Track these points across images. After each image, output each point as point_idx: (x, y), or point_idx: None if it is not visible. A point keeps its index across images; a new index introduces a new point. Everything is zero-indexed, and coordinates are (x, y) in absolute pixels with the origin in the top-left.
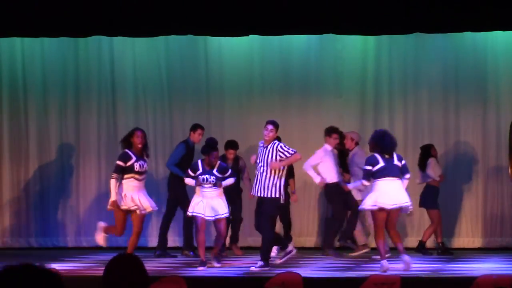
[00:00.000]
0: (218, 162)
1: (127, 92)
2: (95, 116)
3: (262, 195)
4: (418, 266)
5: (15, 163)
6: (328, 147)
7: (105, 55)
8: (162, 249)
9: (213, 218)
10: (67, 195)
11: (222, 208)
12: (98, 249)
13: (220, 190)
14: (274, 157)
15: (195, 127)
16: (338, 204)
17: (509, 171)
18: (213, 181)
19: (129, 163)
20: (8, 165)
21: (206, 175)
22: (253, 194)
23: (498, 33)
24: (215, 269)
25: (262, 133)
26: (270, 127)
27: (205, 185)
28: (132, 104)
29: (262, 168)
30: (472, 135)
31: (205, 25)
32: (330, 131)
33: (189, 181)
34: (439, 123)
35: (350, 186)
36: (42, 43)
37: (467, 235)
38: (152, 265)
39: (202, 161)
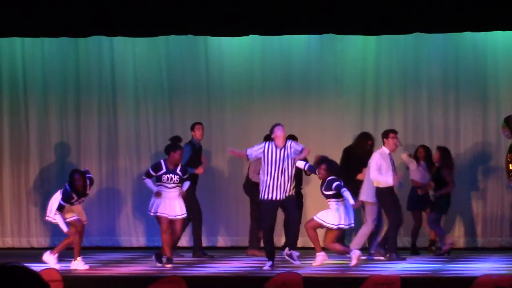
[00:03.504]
0: (180, 162)
1: (128, 92)
2: (95, 116)
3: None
4: (418, 266)
5: (16, 163)
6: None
7: (105, 55)
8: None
9: (174, 217)
10: None
11: (181, 209)
12: (98, 249)
13: (180, 191)
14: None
15: (192, 126)
16: (391, 207)
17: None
18: (176, 180)
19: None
20: (9, 165)
21: (170, 174)
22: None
23: (498, 33)
24: (215, 269)
25: (279, 137)
26: (282, 127)
27: (168, 185)
28: (132, 104)
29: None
30: (472, 135)
31: (205, 25)
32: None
33: (149, 183)
34: (439, 123)
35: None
36: (42, 43)
37: (467, 235)
38: (152, 265)
39: (165, 160)
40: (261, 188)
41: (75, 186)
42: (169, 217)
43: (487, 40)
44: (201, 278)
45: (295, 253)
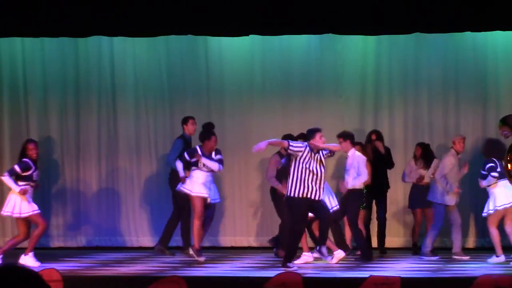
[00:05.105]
0: (215, 147)
1: (127, 92)
2: (95, 116)
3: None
4: (418, 266)
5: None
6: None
7: (105, 55)
8: (163, 245)
9: (209, 199)
10: (67, 195)
11: (216, 193)
12: (98, 249)
13: (213, 176)
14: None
15: (186, 120)
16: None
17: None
18: (211, 168)
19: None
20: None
21: (207, 160)
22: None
23: (498, 33)
24: (215, 269)
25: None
26: (322, 134)
27: (204, 170)
28: (132, 104)
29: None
30: (472, 135)
31: (205, 25)
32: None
33: (179, 166)
34: (439, 123)
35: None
36: (42, 43)
37: (467, 235)
38: (152, 265)
39: (200, 147)
40: (294, 186)
41: (30, 156)
42: (205, 196)
43: (487, 40)
44: (201, 278)
45: (324, 249)
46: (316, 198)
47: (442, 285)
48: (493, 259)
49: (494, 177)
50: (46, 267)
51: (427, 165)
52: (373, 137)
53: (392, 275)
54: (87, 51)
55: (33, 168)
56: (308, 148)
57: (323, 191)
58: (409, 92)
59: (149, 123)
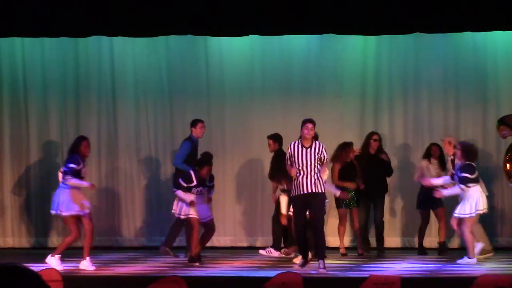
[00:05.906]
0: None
1: (127, 92)
2: (95, 116)
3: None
4: (418, 266)
5: (16, 163)
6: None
7: (105, 55)
8: (168, 247)
9: (204, 220)
10: None
11: (206, 212)
12: (98, 249)
13: (205, 197)
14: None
15: (195, 122)
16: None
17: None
18: (204, 191)
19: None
20: (9, 165)
21: (200, 188)
22: (307, 191)
23: (498, 33)
24: (215, 269)
25: (302, 132)
26: (311, 125)
27: (196, 194)
28: (132, 104)
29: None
30: (472, 135)
31: (205, 25)
32: None
33: (181, 194)
34: (439, 123)
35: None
36: (42, 43)
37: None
38: (152, 265)
39: (194, 172)
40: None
41: (83, 153)
42: (195, 217)
43: (487, 40)
44: (201, 278)
45: (321, 262)
46: (305, 191)
47: (442, 285)
48: (465, 260)
49: (467, 185)
50: (46, 267)
51: (443, 166)
52: (375, 137)
53: (392, 275)
54: (87, 51)
55: (82, 164)
56: (294, 146)
57: (314, 183)
58: (409, 92)
59: (149, 123)
